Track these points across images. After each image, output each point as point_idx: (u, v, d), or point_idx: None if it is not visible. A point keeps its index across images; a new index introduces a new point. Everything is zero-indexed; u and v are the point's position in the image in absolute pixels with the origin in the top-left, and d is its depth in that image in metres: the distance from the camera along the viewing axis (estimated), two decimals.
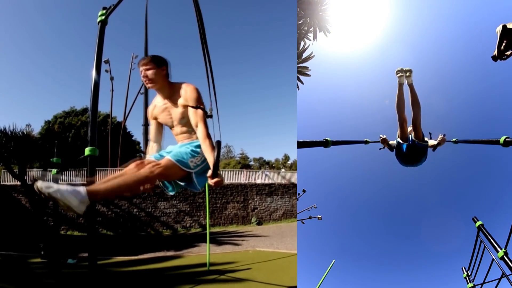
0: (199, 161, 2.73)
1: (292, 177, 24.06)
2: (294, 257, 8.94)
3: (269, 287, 5.96)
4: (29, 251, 9.60)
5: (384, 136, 4.84)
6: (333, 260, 5.38)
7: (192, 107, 2.73)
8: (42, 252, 8.40)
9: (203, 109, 2.73)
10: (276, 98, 76.87)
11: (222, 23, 68.65)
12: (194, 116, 2.71)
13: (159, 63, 2.83)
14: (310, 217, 4.72)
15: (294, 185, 22.29)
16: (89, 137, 2.91)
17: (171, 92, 2.87)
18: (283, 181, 22.69)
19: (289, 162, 51.55)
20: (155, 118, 3.07)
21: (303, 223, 4.74)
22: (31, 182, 15.75)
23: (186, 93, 2.77)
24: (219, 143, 2.45)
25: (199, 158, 2.73)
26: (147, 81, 2.83)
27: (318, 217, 4.70)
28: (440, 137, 4.68)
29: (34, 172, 17.13)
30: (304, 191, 4.90)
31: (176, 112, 2.87)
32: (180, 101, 2.81)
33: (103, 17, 3.15)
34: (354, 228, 12.71)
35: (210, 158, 2.46)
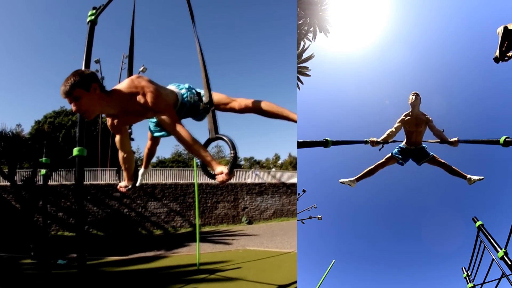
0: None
1: (283, 176, 24.22)
2: (284, 256, 9.03)
3: (259, 286, 5.98)
4: (19, 252, 9.58)
5: (372, 139, 4.77)
6: (333, 260, 5.31)
7: (160, 114, 2.30)
8: (32, 253, 8.41)
9: (170, 108, 2.37)
10: (273, 97, 76.91)
11: (222, 22, 68.86)
12: (166, 122, 2.28)
13: (87, 84, 2.09)
14: (310, 217, 4.64)
15: (285, 185, 22.43)
16: (77, 137, 2.96)
17: (120, 104, 2.27)
18: (273, 181, 22.83)
19: (279, 161, 51.73)
20: (119, 131, 2.70)
21: (303, 223, 4.66)
22: (20, 183, 15.67)
23: (145, 100, 2.22)
24: (231, 140, 2.33)
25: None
26: (83, 114, 2.18)
27: (318, 217, 4.62)
28: (454, 139, 4.61)
29: (23, 172, 17.05)
30: (304, 191, 4.80)
31: (144, 118, 2.54)
32: (140, 109, 2.28)
33: (93, 17, 3.17)
34: (354, 228, 12.79)
35: (207, 158, 2.22)
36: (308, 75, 5.39)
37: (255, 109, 2.76)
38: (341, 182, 4.62)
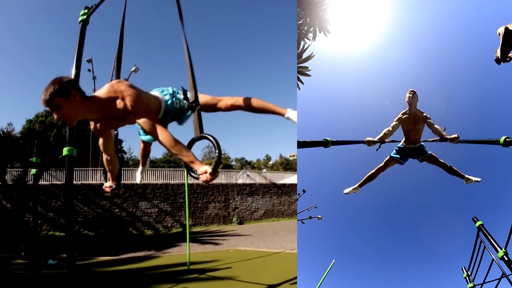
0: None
1: (274, 177, 24.39)
2: (275, 256, 9.12)
3: (250, 285, 6.03)
4: (10, 252, 9.56)
5: (368, 139, 4.75)
6: (333, 260, 5.28)
7: (139, 117, 2.29)
8: (22, 253, 8.39)
9: (150, 111, 2.37)
10: (273, 97, 76.93)
11: (222, 22, 68.87)
12: (147, 125, 2.27)
13: (66, 92, 2.08)
14: (310, 217, 4.65)
15: (275, 185, 22.57)
16: (67, 137, 2.99)
17: (100, 109, 2.28)
18: (264, 181, 22.96)
19: (270, 162, 51.88)
20: (102, 135, 2.71)
21: (303, 223, 4.67)
22: (11, 182, 15.57)
23: (124, 104, 2.24)
24: (215, 139, 2.36)
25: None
26: (66, 122, 2.22)
27: (318, 217, 4.63)
28: (454, 136, 4.57)
29: (14, 172, 16.94)
30: (304, 191, 4.82)
31: (126, 122, 2.52)
32: (121, 113, 2.29)
33: (84, 17, 3.21)
34: (354, 228, 12.86)
35: (190, 158, 2.20)
36: (308, 75, 5.38)
37: (241, 106, 2.77)
38: (345, 193, 4.74)
